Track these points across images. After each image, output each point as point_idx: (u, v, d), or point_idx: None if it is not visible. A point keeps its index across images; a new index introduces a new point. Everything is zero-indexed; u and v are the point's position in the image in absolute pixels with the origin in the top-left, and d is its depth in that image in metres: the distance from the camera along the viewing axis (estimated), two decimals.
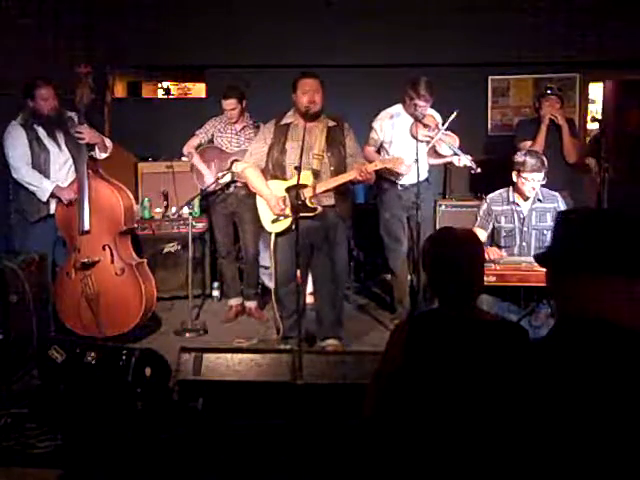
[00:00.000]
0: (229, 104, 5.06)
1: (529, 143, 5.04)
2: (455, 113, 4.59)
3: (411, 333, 2.17)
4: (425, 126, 4.64)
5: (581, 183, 5.45)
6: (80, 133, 4.52)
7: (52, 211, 4.63)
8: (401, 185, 4.79)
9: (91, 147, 4.64)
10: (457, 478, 1.97)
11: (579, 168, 5.22)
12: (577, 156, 5.12)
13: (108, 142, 4.81)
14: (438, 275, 2.21)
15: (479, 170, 4.59)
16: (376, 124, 4.81)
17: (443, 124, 4.69)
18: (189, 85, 8.33)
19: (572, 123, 5.26)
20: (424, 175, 4.78)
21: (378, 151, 4.85)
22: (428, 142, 4.69)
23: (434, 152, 4.81)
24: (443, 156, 4.81)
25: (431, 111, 4.78)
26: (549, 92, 5.19)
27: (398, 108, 4.78)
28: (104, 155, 4.80)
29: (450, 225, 2.51)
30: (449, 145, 4.70)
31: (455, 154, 4.69)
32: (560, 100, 5.15)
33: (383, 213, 4.91)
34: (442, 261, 2.20)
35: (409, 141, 4.67)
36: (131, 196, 4.74)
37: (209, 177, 5.16)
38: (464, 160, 4.65)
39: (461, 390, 2.03)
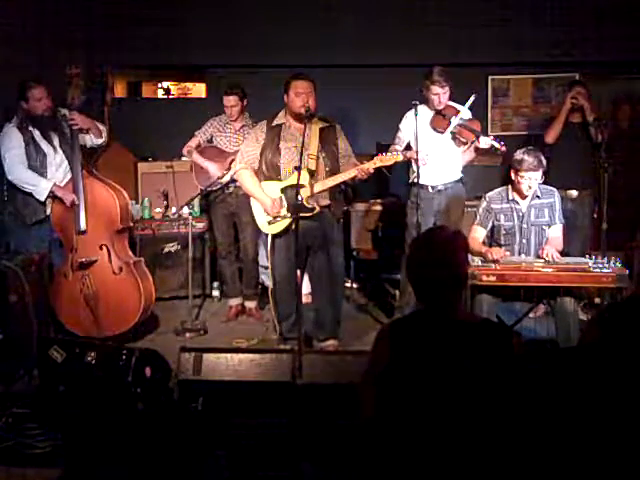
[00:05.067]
0: (230, 101, 5.06)
1: None
2: (473, 97, 4.57)
3: (395, 335, 2.20)
4: (444, 116, 4.61)
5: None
6: (73, 120, 4.53)
7: (48, 213, 4.62)
8: (432, 187, 4.73)
9: (85, 132, 4.64)
10: (448, 475, 1.99)
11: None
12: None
13: (101, 126, 4.81)
14: (418, 276, 2.22)
15: (504, 148, 4.49)
16: (401, 124, 4.77)
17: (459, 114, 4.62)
18: (189, 85, 8.32)
19: (600, 121, 5.08)
20: (458, 175, 4.77)
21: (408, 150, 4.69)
22: (451, 132, 4.61)
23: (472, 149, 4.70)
24: (480, 150, 4.68)
25: (454, 105, 4.70)
26: (576, 80, 5.44)
27: (421, 107, 4.66)
28: (100, 141, 4.80)
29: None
30: (473, 130, 4.58)
31: (477, 137, 4.56)
32: (587, 90, 5.17)
33: (411, 217, 4.68)
34: (420, 263, 2.21)
35: (431, 135, 4.64)
36: (126, 195, 4.74)
37: (215, 171, 5.10)
38: (487, 141, 4.52)
39: (445, 390, 2.05)
